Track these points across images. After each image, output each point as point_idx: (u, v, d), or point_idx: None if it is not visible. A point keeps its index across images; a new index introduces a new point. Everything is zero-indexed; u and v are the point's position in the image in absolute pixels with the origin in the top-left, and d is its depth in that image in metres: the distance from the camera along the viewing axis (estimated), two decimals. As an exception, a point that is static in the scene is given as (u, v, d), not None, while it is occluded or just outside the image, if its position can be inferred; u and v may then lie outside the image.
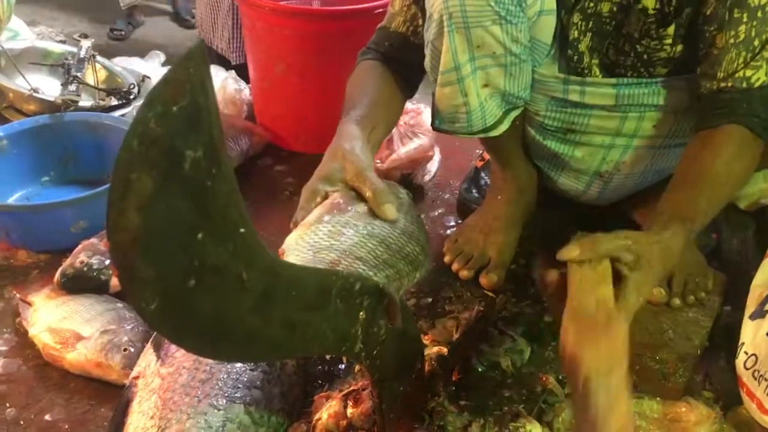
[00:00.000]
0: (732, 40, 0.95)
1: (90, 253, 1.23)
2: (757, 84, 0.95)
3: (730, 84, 0.96)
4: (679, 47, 1.02)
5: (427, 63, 1.10)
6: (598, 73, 1.09)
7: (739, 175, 0.96)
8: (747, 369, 1.02)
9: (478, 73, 1.04)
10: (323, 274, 0.69)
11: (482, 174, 1.55)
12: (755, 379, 1.00)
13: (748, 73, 0.95)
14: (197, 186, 0.47)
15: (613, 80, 1.08)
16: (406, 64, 1.15)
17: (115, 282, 1.22)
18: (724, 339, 1.14)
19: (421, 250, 0.91)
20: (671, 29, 1.00)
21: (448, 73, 1.05)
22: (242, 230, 0.53)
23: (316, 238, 0.83)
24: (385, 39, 1.17)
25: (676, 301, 1.15)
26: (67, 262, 1.23)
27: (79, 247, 1.25)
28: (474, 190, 1.53)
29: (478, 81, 1.05)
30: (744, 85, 0.95)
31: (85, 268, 1.21)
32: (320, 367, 1.11)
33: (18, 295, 1.23)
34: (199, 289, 0.52)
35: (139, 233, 0.44)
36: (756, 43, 0.94)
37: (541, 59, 1.10)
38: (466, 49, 1.02)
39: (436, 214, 1.55)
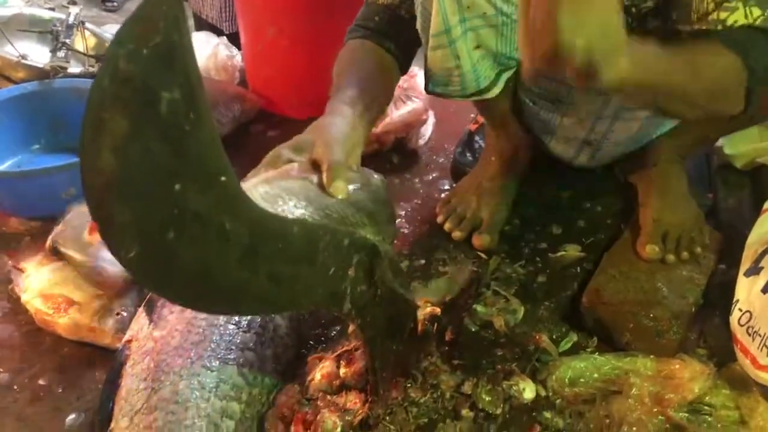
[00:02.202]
0: None
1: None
2: (736, 26, 0.88)
3: (704, 27, 0.89)
4: None
5: (419, 25, 1.08)
6: None
7: (706, 71, 0.87)
8: (741, 325, 1.02)
9: (469, 34, 1.02)
10: (310, 227, 0.68)
11: (476, 137, 1.54)
12: (749, 335, 1.00)
13: (722, 15, 0.88)
14: (174, 129, 0.45)
15: None
16: (396, 40, 1.12)
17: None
18: (719, 297, 1.13)
19: (374, 228, 0.90)
20: None
21: (438, 36, 1.03)
22: (223, 179, 0.52)
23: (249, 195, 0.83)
24: (373, 14, 1.13)
25: (671, 257, 1.15)
26: (59, 228, 1.22)
27: (72, 213, 1.23)
28: (468, 154, 1.52)
29: (469, 42, 1.03)
30: (719, 27, 0.88)
31: (78, 234, 1.20)
32: (314, 330, 1.10)
33: (10, 262, 1.23)
34: (180, 238, 0.50)
35: (115, 176, 0.43)
36: None
37: None
38: (456, 11, 1.00)
39: (431, 177, 1.54)
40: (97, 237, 1.18)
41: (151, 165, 0.45)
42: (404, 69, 1.16)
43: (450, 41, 1.02)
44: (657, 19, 1.01)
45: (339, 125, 0.95)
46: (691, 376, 0.96)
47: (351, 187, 0.92)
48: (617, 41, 0.73)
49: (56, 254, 1.21)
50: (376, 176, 1.00)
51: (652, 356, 1.00)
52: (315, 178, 0.91)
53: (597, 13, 0.71)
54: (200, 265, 0.55)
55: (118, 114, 0.42)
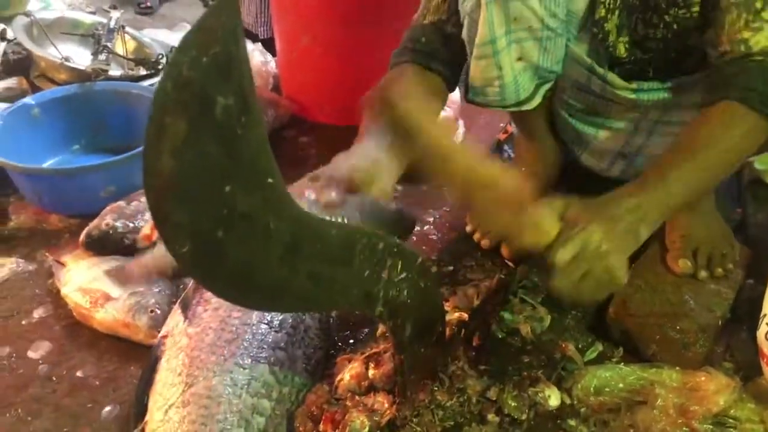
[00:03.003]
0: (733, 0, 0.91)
1: (116, 216, 1.25)
2: (757, 48, 0.91)
3: (729, 49, 0.92)
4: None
5: (465, 34, 1.08)
6: (623, 51, 1.07)
7: (727, 150, 0.92)
8: (768, 340, 1.02)
9: (513, 46, 1.04)
10: (347, 230, 0.71)
11: (505, 147, 1.56)
12: (776, 350, 1.00)
13: (747, 35, 0.91)
14: (228, 132, 0.48)
15: (634, 85, 1.07)
16: (443, 58, 1.09)
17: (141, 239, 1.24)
18: (747, 312, 1.13)
19: None
20: None
21: (483, 46, 1.04)
22: (270, 180, 0.55)
23: None
24: (419, 35, 1.12)
25: (703, 273, 1.15)
26: (93, 223, 1.26)
27: (107, 209, 1.28)
28: (497, 163, 1.53)
29: (512, 54, 1.04)
30: (742, 48, 0.91)
31: (111, 231, 1.24)
32: (343, 331, 1.13)
33: (51, 257, 1.27)
34: (229, 237, 0.53)
35: (173, 178, 0.46)
36: (758, 4, 0.90)
37: (575, 33, 1.09)
38: (503, 22, 1.01)
39: (460, 186, 1.56)
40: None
41: (205, 167, 0.48)
42: (452, 87, 1.16)
43: (495, 51, 1.03)
44: (694, 37, 1.02)
45: (367, 149, 0.94)
46: (716, 388, 0.96)
47: (353, 202, 0.90)
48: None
49: (89, 249, 1.25)
50: (393, 206, 0.99)
51: (677, 368, 1.00)
52: (313, 194, 0.88)
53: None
54: (245, 262, 0.57)
55: (178, 117, 0.44)
